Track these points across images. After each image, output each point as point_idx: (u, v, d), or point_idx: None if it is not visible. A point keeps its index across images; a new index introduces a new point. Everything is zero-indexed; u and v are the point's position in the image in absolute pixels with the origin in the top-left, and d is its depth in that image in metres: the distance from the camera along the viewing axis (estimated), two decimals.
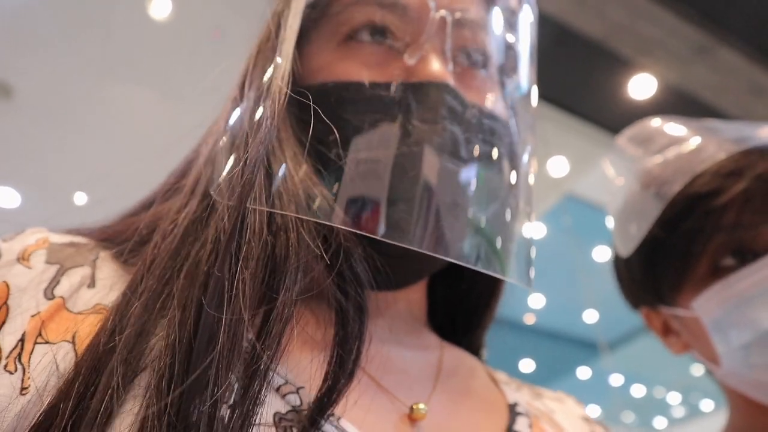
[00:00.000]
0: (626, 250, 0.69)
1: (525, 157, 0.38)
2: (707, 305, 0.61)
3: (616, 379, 5.55)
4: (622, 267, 0.72)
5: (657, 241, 0.65)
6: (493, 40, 0.38)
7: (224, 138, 0.34)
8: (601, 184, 0.74)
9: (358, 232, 0.30)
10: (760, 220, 0.59)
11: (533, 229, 0.37)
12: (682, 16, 2.23)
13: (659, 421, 6.41)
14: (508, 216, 0.33)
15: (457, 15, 0.36)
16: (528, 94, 0.41)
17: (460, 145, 0.32)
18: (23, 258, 0.32)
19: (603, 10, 2.14)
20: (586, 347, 5.01)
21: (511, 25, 0.39)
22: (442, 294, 0.48)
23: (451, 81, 0.34)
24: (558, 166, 2.87)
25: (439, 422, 0.35)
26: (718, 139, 0.63)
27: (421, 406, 0.34)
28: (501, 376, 0.47)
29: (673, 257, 0.64)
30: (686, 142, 0.65)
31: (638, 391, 5.73)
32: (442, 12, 0.35)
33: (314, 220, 0.30)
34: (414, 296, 0.43)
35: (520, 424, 0.38)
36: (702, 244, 0.61)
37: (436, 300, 0.48)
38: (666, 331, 0.70)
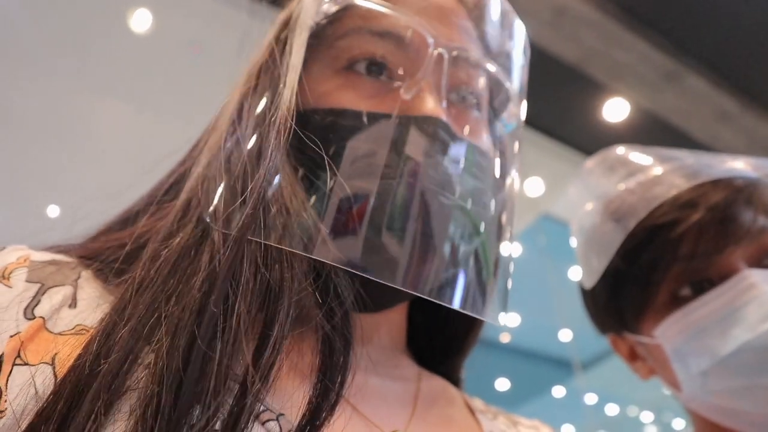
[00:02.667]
0: (589, 282, 0.71)
1: (508, 198, 0.39)
2: (667, 333, 0.63)
3: (590, 398, 5.59)
4: (587, 295, 0.74)
5: (619, 272, 0.67)
6: (487, 81, 0.39)
7: (221, 163, 0.34)
8: (567, 208, 0.75)
9: (348, 269, 0.30)
10: (714, 249, 0.61)
11: (510, 267, 0.37)
12: (653, 43, 2.31)
13: None
14: (489, 255, 0.34)
15: (454, 53, 0.36)
16: (516, 132, 0.41)
17: (451, 182, 0.32)
18: (3, 276, 0.32)
19: (578, 36, 2.20)
20: (561, 366, 5.04)
21: (505, 66, 0.40)
22: (422, 320, 0.48)
23: (444, 117, 0.34)
24: (534, 187, 2.91)
25: None
26: (677, 169, 0.65)
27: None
28: (478, 403, 0.47)
29: (634, 287, 0.66)
30: (647, 172, 0.67)
31: (612, 410, 5.77)
32: (440, 49, 0.35)
33: (309, 256, 0.30)
34: (395, 320, 0.43)
35: None
36: (661, 274, 0.63)
37: (416, 325, 0.48)
38: (632, 357, 0.71)
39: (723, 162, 0.68)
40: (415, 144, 0.31)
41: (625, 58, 2.32)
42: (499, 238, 0.36)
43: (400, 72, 0.35)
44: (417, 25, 0.35)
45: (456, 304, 0.31)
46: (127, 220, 0.40)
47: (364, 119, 0.33)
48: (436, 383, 0.44)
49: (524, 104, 0.43)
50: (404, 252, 0.29)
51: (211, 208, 0.32)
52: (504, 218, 0.37)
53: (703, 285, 0.62)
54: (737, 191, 0.63)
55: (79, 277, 0.34)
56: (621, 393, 5.24)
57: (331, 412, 0.29)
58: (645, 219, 0.64)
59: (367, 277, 0.29)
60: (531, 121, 2.72)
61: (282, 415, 0.30)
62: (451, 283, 0.31)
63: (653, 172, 0.67)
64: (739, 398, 0.60)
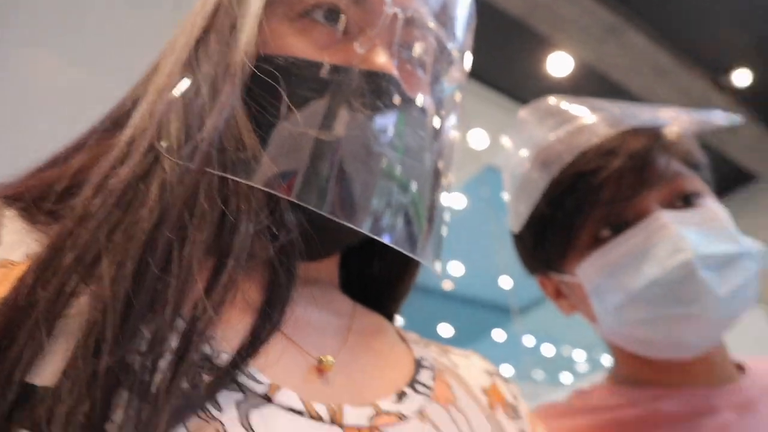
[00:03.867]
0: (517, 226, 0.76)
1: (446, 154, 0.41)
2: (587, 272, 0.69)
3: (528, 341, 5.88)
4: (518, 239, 0.79)
5: (545, 216, 0.71)
6: (435, 44, 0.41)
7: (179, 97, 0.34)
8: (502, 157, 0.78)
9: (298, 202, 0.31)
10: (631, 194, 0.66)
11: (446, 218, 0.40)
12: None
13: (566, 377, 6.87)
14: (423, 203, 0.36)
15: (409, 14, 0.38)
16: (457, 94, 0.44)
17: (394, 134, 0.34)
18: None
19: None
20: (501, 311, 5.26)
21: (452, 30, 0.42)
22: (356, 266, 0.50)
23: (396, 74, 0.36)
24: (478, 139, 2.96)
25: (347, 373, 0.36)
26: (602, 119, 0.70)
27: (329, 358, 0.35)
28: (411, 335, 0.48)
29: (559, 230, 0.70)
30: (575, 122, 0.71)
31: (548, 350, 6.11)
32: (396, 9, 0.37)
33: (264, 188, 0.32)
34: (330, 264, 0.45)
35: (424, 376, 0.40)
36: (583, 217, 0.67)
37: (350, 272, 0.50)
38: (557, 295, 0.77)
39: (648, 112, 0.72)
40: (365, 96, 0.33)
41: (569, 12, 2.35)
42: (435, 189, 0.39)
43: (356, 25, 0.37)
44: None
45: (390, 240, 0.33)
46: (57, 160, 0.38)
47: (319, 69, 0.34)
48: (369, 318, 0.46)
49: (468, 64, 0.45)
50: (346, 192, 0.32)
51: (167, 142, 0.32)
52: (441, 172, 0.40)
53: (620, 227, 0.67)
54: (654, 138, 0.68)
55: (2, 216, 0.33)
56: (556, 334, 5.54)
57: (266, 341, 0.30)
58: (569, 166, 0.68)
59: (314, 210, 0.31)
60: (476, 73, 2.74)
61: (212, 338, 0.30)
62: (387, 222, 0.33)
63: (580, 122, 0.71)
64: (649, 328, 0.66)
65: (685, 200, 0.67)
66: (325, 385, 0.34)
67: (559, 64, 2.66)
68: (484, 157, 3.05)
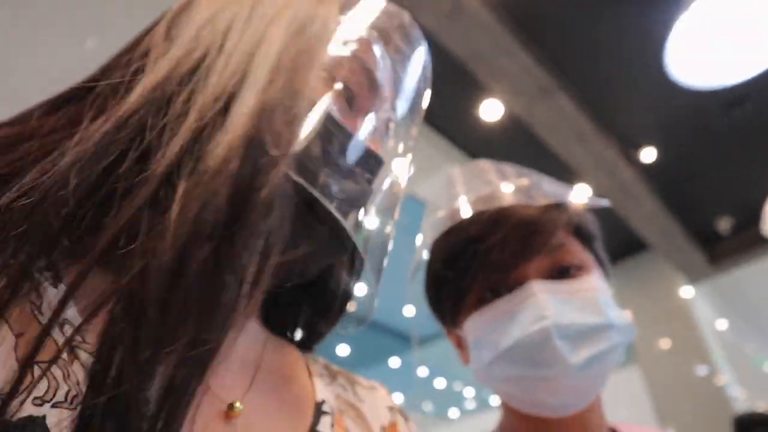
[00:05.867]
0: (412, 277, 0.81)
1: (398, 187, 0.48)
2: (470, 328, 0.74)
3: (422, 371, 5.99)
4: (425, 295, 0.84)
5: (441, 277, 0.77)
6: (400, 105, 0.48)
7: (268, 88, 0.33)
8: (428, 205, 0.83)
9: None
10: (513, 262, 0.71)
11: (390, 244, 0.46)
12: (535, 57, 2.49)
13: (453, 412, 7.03)
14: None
15: (393, 117, 0.46)
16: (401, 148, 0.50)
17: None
18: None
19: (470, 35, 2.31)
20: (400, 339, 5.33)
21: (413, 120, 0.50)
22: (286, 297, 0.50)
23: (380, 155, 0.43)
24: (404, 167, 3.01)
25: (253, 420, 0.36)
26: (518, 189, 0.76)
27: (238, 404, 0.35)
28: (316, 367, 0.48)
29: (451, 290, 0.76)
30: (490, 188, 0.77)
31: (440, 383, 6.24)
32: (389, 114, 0.45)
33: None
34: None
35: (323, 424, 0.40)
36: (471, 279, 0.73)
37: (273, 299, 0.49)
38: (459, 345, 0.82)
39: (553, 186, 0.78)
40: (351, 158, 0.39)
41: (508, 66, 2.48)
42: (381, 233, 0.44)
43: (363, 109, 0.43)
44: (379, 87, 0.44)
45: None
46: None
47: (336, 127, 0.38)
48: (280, 351, 0.45)
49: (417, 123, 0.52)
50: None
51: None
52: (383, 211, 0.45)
53: (500, 291, 0.72)
54: (544, 210, 0.73)
55: None
56: (449, 369, 5.68)
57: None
58: (464, 231, 0.74)
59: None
60: None
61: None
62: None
63: (494, 188, 0.77)
64: (512, 385, 0.71)
65: (563, 272, 0.72)
66: None
67: (491, 110, 2.79)
68: (408, 186, 3.10)
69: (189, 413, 0.27)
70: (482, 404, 6.71)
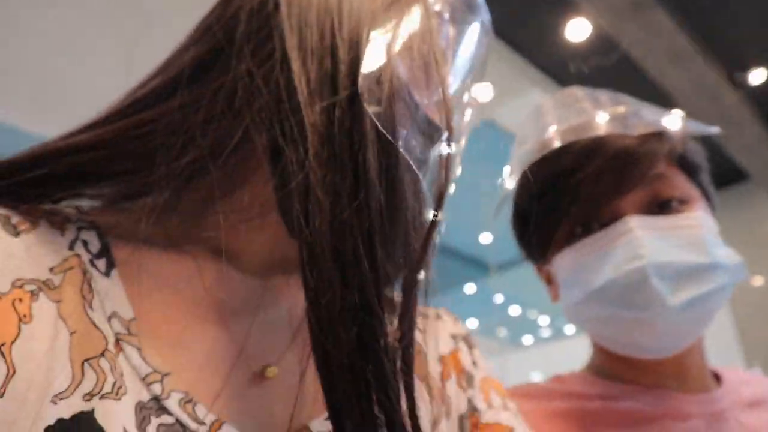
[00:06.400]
0: (497, 213, 0.79)
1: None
2: (560, 265, 0.72)
3: (497, 298, 6.04)
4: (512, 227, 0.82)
5: (528, 211, 0.75)
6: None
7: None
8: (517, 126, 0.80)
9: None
10: (607, 196, 0.67)
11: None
12: None
13: (527, 339, 7.10)
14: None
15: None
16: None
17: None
18: None
19: None
20: (476, 266, 5.36)
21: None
22: None
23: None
24: (482, 92, 2.91)
25: (287, 386, 0.36)
26: (613, 118, 0.71)
27: (273, 369, 0.35)
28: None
29: (540, 225, 0.73)
30: (583, 117, 0.72)
31: (514, 310, 6.28)
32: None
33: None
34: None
35: None
36: (561, 215, 0.70)
37: None
38: (549, 281, 0.80)
39: (653, 113, 0.73)
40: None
41: None
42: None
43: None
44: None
45: None
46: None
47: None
48: None
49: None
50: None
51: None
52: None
53: (593, 227, 0.69)
54: (643, 140, 0.68)
55: None
56: (524, 297, 5.69)
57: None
58: (554, 164, 0.70)
59: None
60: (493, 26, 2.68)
61: (168, 374, 0.32)
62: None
63: (586, 118, 0.72)
64: (604, 326, 0.69)
65: (664, 206, 0.68)
66: (263, 407, 0.35)
67: (578, 30, 2.61)
68: (487, 110, 3.02)
69: (224, 374, 0.31)
70: (557, 333, 6.72)
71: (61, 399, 0.27)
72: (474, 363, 0.48)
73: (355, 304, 0.28)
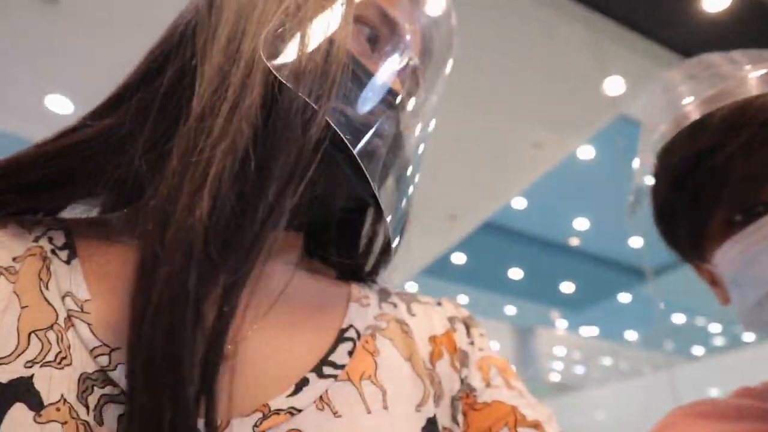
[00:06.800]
0: (630, 209, 0.68)
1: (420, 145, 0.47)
2: (723, 262, 0.59)
3: (657, 306, 5.56)
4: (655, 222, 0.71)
5: (669, 203, 0.63)
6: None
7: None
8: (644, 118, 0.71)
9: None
10: (764, 172, 0.55)
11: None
12: None
13: (697, 349, 6.45)
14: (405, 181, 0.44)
15: (415, 62, 0.46)
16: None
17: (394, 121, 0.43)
18: None
19: None
20: (628, 272, 4.99)
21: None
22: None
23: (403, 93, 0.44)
24: (614, 86, 2.73)
25: (251, 363, 0.36)
26: (752, 77, 0.58)
27: (229, 347, 0.35)
28: (366, 291, 0.48)
29: (687, 217, 0.62)
30: (722, 84, 0.60)
31: (678, 318, 5.73)
32: (412, 58, 0.46)
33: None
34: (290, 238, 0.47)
35: (340, 352, 0.40)
36: (711, 202, 0.58)
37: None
38: (713, 283, 0.68)
39: None
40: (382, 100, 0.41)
41: None
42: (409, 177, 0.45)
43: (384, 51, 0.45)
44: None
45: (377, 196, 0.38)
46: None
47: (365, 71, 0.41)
48: (310, 286, 0.46)
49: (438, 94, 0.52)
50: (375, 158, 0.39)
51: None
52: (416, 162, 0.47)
53: (755, 209, 0.57)
54: None
55: None
56: (688, 303, 5.17)
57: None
58: (692, 140, 0.59)
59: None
60: (614, 14, 2.50)
61: (118, 348, 0.33)
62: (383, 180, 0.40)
63: (720, 84, 0.60)
64: None
65: None
66: (220, 383, 0.34)
67: None
68: (620, 105, 2.83)
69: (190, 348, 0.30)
70: (732, 341, 6.02)
71: (2, 364, 0.30)
72: (471, 342, 0.47)
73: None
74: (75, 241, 0.38)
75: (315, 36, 0.37)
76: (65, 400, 0.30)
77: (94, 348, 0.32)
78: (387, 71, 0.43)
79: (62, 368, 0.31)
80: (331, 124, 0.34)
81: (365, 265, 0.50)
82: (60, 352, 0.31)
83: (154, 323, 0.28)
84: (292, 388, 0.36)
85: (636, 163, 0.72)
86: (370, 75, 0.41)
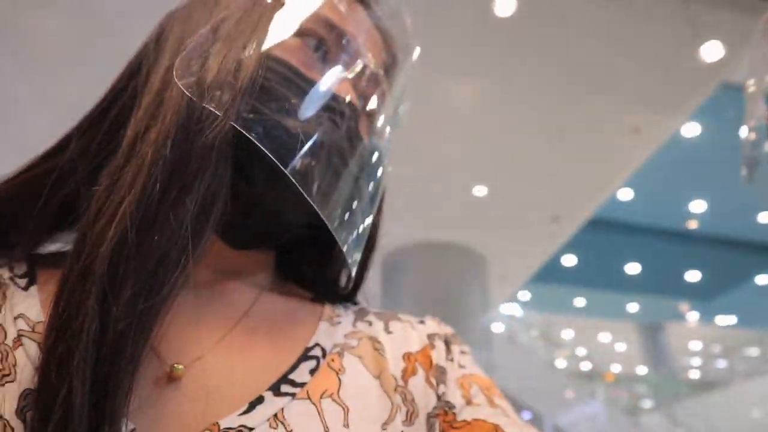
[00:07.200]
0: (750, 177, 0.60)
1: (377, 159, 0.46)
2: None
3: None
4: None
5: None
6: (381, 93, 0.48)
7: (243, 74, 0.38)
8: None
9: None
10: None
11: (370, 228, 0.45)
12: None
13: None
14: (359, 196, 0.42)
15: (372, 68, 0.46)
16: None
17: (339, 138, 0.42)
18: None
19: None
20: (762, 251, 4.57)
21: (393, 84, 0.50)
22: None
23: (354, 101, 0.44)
24: (711, 52, 2.54)
25: (202, 382, 0.37)
26: None
27: (179, 366, 0.36)
28: (339, 311, 0.48)
29: None
30: None
31: None
32: (366, 61, 0.46)
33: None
34: (256, 258, 0.48)
35: (301, 370, 0.40)
36: None
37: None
38: None
39: None
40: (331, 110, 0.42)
41: None
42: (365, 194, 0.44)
43: (333, 59, 0.46)
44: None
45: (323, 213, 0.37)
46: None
47: (306, 81, 0.42)
48: (277, 305, 0.46)
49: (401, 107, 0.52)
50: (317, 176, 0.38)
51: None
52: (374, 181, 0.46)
53: None
54: None
55: None
56: None
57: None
58: None
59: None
60: None
61: None
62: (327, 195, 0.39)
63: None
64: None
65: None
66: (170, 403, 0.35)
67: None
68: (720, 72, 2.62)
69: (130, 376, 0.31)
70: None
71: None
72: (451, 359, 0.47)
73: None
74: (37, 270, 0.40)
75: (225, 51, 0.38)
76: (1, 416, 0.32)
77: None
78: (330, 79, 0.44)
79: (3, 385, 0.33)
80: (239, 129, 0.35)
81: (338, 283, 0.50)
82: (2, 369, 0.33)
83: (48, 360, 0.30)
84: (245, 407, 0.36)
85: (743, 131, 0.64)
86: (311, 84, 0.42)
